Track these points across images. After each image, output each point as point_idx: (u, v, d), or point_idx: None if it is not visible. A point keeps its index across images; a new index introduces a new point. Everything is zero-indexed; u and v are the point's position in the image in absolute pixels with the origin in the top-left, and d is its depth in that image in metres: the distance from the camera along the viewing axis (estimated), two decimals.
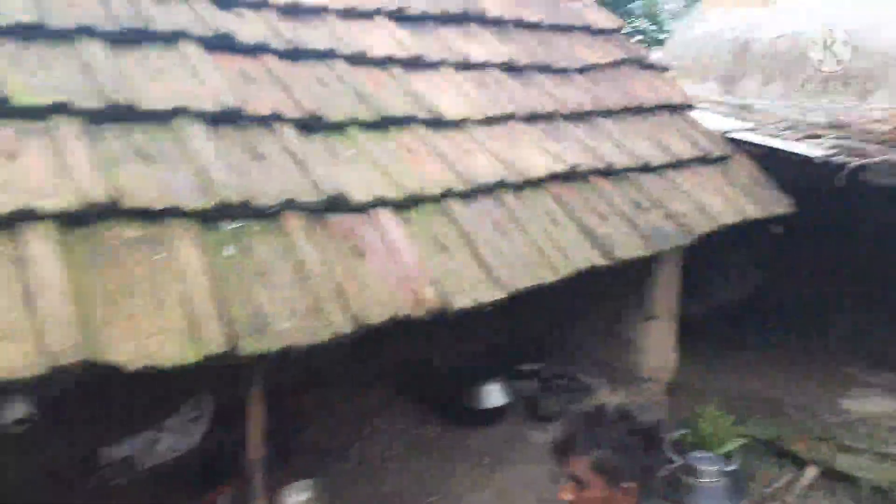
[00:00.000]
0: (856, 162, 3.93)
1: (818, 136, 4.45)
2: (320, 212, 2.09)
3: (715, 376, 5.47)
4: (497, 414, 4.18)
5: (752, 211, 3.94)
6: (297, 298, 1.79)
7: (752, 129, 4.64)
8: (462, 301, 2.15)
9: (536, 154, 3.18)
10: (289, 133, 2.34)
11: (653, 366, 4.42)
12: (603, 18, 4.84)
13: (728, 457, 4.13)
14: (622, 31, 4.88)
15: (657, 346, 4.41)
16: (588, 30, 4.64)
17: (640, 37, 10.60)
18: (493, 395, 4.24)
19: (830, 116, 4.57)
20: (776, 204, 4.15)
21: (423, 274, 2.13)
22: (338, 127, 2.56)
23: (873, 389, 5.21)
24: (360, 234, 2.12)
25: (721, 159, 4.19)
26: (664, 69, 4.83)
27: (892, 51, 5.84)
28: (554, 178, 3.10)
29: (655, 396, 4.46)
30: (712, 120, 4.86)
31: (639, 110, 4.15)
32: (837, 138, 4.28)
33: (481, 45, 3.80)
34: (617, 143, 3.71)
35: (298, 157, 2.23)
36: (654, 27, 10.11)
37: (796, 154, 4.25)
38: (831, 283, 6.04)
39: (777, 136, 4.51)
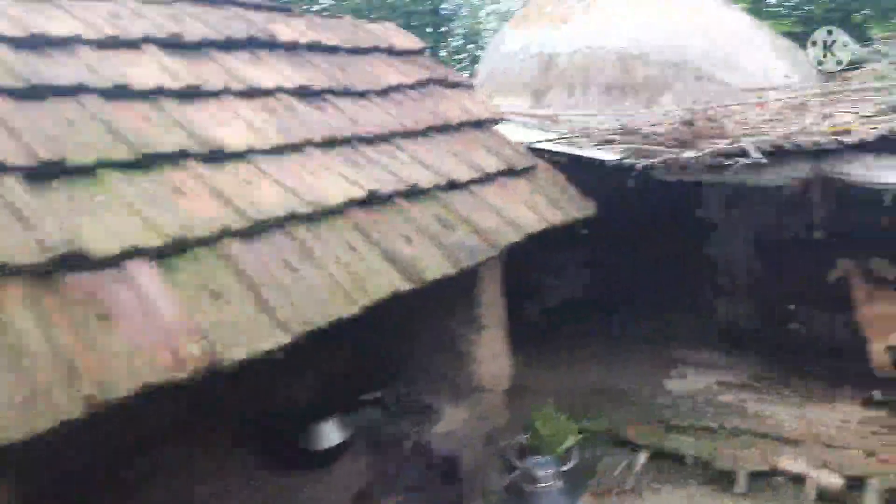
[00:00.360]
0: (642, 163, 4.26)
1: (612, 142, 4.78)
2: (49, 274, 1.79)
3: (555, 374, 5.68)
4: (337, 452, 3.97)
5: (557, 217, 4.11)
6: (11, 386, 1.49)
7: (554, 140, 4.89)
8: (237, 353, 1.95)
9: (334, 181, 3.05)
10: (13, 186, 2.00)
11: (488, 375, 4.44)
12: (405, 40, 4.88)
13: (566, 455, 4.26)
14: (425, 52, 4.94)
15: (490, 355, 4.44)
16: (390, 52, 4.64)
17: (462, 55, 11.00)
18: (330, 432, 4.03)
19: (621, 123, 4.93)
20: (579, 209, 4.37)
21: (187, 329, 1.90)
22: (85, 171, 2.25)
23: (691, 368, 5.68)
24: (105, 293, 1.84)
25: (527, 170, 4.34)
26: (470, 87, 4.95)
27: (674, 59, 6.51)
28: (353, 204, 2.98)
29: (495, 405, 4.50)
30: (519, 133, 5.07)
31: (445, 128, 4.18)
32: (627, 143, 4.62)
33: (271, 72, 3.62)
34: (422, 162, 3.69)
35: (23, 212, 1.91)
36: (472, 45, 10.52)
37: (593, 159, 4.54)
38: (646, 274, 6.55)
39: (576, 144, 4.79)
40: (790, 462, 4.06)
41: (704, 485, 4.21)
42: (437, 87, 4.61)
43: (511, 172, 4.21)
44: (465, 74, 9.81)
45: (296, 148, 3.15)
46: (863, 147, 3.72)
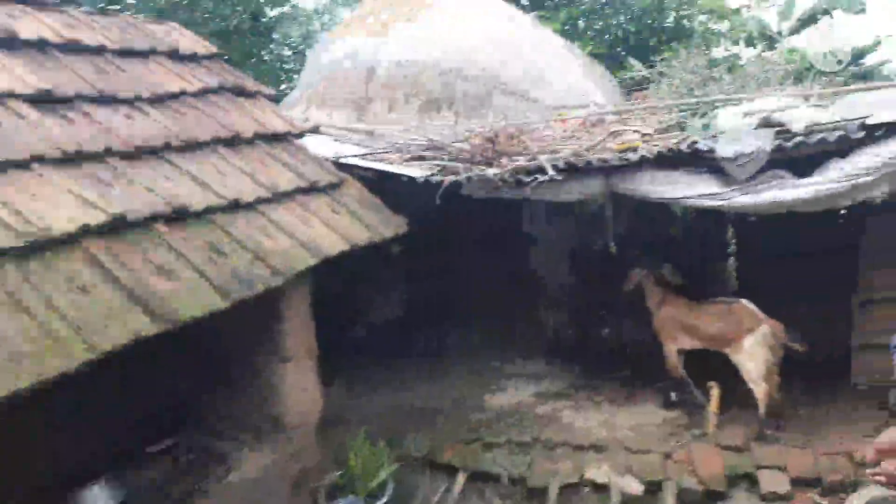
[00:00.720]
0: (448, 179, 4.17)
1: (423, 158, 4.67)
2: None
3: (378, 398, 5.46)
4: None
5: (363, 236, 3.87)
6: None
7: (364, 155, 4.67)
8: None
9: (67, 205, 2.56)
10: None
11: (296, 411, 4.08)
12: (194, 43, 4.41)
13: (381, 488, 4.03)
14: (218, 57, 4.49)
15: (298, 388, 4.09)
16: (173, 55, 4.14)
17: (292, 65, 10.54)
18: (101, 496, 3.45)
19: (434, 138, 4.84)
20: (389, 227, 4.17)
21: None
22: None
23: (512, 381, 5.73)
24: None
25: (331, 187, 4.07)
26: (270, 96, 4.58)
27: (491, 76, 6.58)
28: (90, 232, 2.52)
29: (304, 444, 4.15)
30: (330, 147, 4.80)
31: (234, 142, 3.79)
32: (437, 159, 4.52)
33: (1, 74, 3.02)
34: (199, 180, 3.28)
35: None
36: (297, 55, 10.10)
37: (402, 176, 4.38)
38: (474, 288, 6.55)
39: (386, 160, 4.61)
40: (596, 471, 4.15)
41: (521, 503, 4.19)
42: (230, 97, 4.20)
43: (312, 190, 3.92)
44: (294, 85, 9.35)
45: (20, 166, 2.61)
46: (645, 163, 3.89)
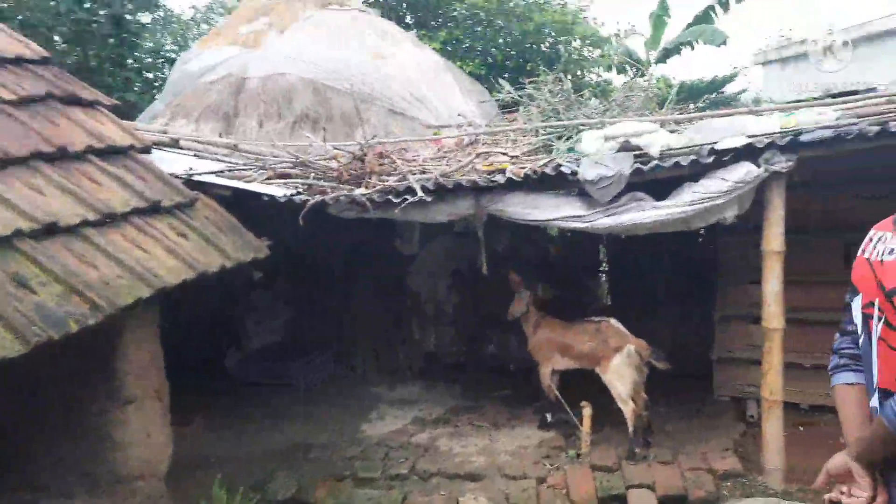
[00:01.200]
0: (313, 199, 3.92)
1: (289, 176, 4.38)
2: None
3: (245, 435, 5.04)
4: None
5: (214, 262, 3.52)
6: None
7: (221, 171, 4.31)
8: None
9: None
10: None
11: (140, 459, 3.62)
12: (18, 46, 3.88)
13: None
14: (50, 62, 3.98)
15: (142, 434, 3.63)
16: None
17: (159, 73, 9.87)
18: None
19: (301, 155, 4.57)
20: (248, 251, 3.84)
21: None
22: None
23: (391, 407, 5.51)
24: None
25: (179, 207, 3.69)
26: (112, 107, 4.12)
27: (368, 93, 6.40)
28: None
29: (151, 497, 3.69)
30: (181, 162, 4.39)
31: (58, 156, 3.33)
32: (303, 177, 4.26)
33: None
34: (7, 201, 2.83)
35: None
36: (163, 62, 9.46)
37: (262, 195, 4.08)
38: (351, 310, 6.29)
39: (246, 178, 4.29)
40: (472, 502, 4.00)
41: None
42: (59, 106, 3.71)
43: (154, 210, 3.52)
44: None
45: None
46: (514, 185, 3.85)
